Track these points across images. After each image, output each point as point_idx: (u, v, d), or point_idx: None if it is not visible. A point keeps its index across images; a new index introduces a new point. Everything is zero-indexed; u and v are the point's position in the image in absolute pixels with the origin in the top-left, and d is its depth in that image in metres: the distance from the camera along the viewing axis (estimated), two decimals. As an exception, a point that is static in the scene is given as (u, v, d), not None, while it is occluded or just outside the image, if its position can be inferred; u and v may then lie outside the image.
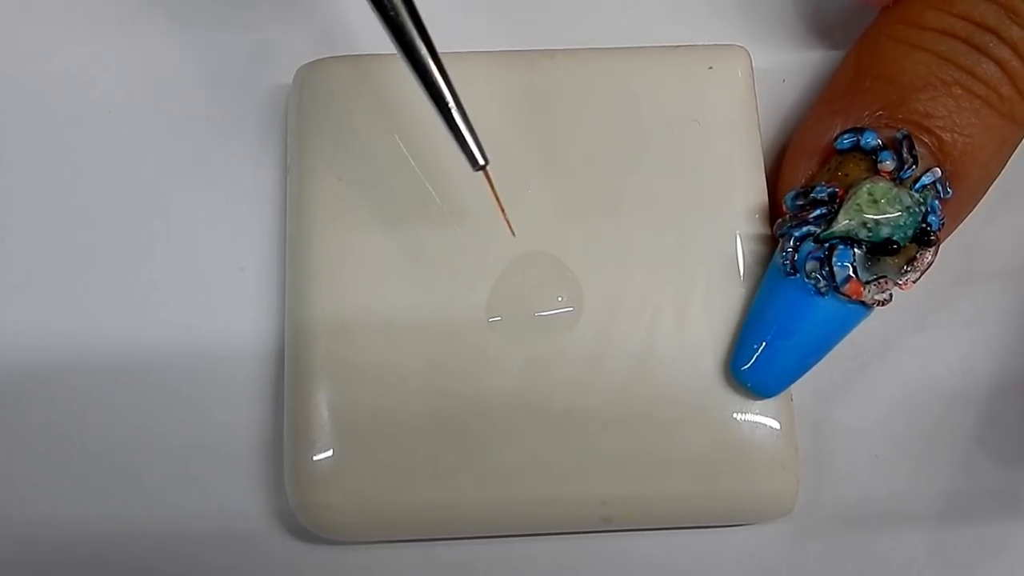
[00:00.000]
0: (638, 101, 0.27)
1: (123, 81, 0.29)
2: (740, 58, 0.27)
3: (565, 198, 0.26)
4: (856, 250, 0.24)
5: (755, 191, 0.26)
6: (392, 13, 0.22)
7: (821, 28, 0.29)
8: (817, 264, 0.24)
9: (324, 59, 0.27)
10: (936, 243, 0.24)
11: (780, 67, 0.29)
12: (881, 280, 0.24)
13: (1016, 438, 0.27)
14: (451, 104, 0.23)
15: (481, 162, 0.23)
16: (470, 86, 0.27)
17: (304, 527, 0.25)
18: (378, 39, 0.28)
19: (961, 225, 0.27)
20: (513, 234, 0.25)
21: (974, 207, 0.26)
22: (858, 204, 0.24)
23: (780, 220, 0.25)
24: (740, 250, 0.26)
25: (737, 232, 0.26)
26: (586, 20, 0.30)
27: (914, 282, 0.24)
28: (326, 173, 0.26)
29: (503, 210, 0.24)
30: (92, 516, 0.26)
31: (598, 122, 0.27)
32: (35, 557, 0.26)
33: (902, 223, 0.24)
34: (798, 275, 0.24)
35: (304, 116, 0.27)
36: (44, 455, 0.26)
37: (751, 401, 0.25)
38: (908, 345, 0.27)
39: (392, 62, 0.27)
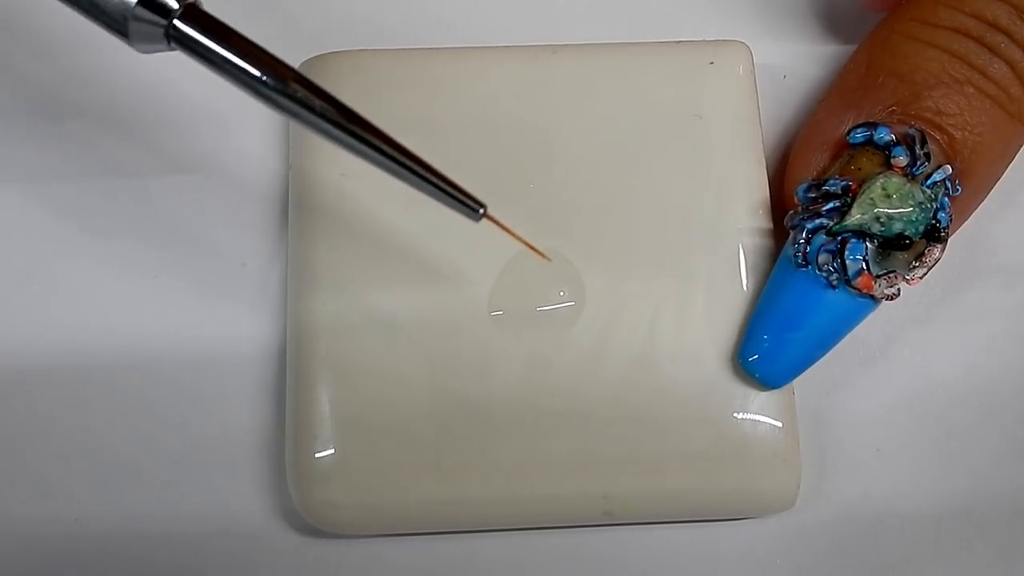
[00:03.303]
0: (639, 96, 0.27)
1: (124, 76, 0.28)
2: (741, 53, 0.27)
3: (567, 193, 0.26)
4: (868, 244, 0.24)
5: (756, 186, 0.26)
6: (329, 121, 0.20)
7: (822, 24, 0.30)
8: (829, 257, 0.24)
9: (327, 54, 0.27)
10: (945, 239, 0.24)
11: (781, 63, 0.29)
12: (891, 274, 0.24)
13: (1017, 434, 0.27)
14: (422, 172, 0.21)
15: (480, 210, 0.21)
16: (472, 81, 0.27)
17: (306, 523, 0.25)
18: (381, 34, 0.28)
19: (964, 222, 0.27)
20: (548, 259, 0.24)
21: (979, 205, 0.26)
22: (871, 198, 0.24)
23: (792, 212, 0.25)
24: (741, 245, 0.26)
25: (738, 227, 0.26)
26: (587, 15, 0.30)
27: (921, 278, 0.24)
28: (328, 168, 0.26)
29: (527, 243, 0.23)
30: (94, 514, 0.26)
31: (600, 117, 0.27)
32: (36, 556, 0.25)
33: (914, 219, 0.24)
34: (810, 267, 0.24)
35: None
36: (45, 454, 0.26)
37: (753, 396, 0.25)
38: (910, 341, 0.28)
39: (394, 56, 0.27)
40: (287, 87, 0.20)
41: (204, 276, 0.27)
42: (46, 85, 0.28)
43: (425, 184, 0.21)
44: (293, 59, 0.27)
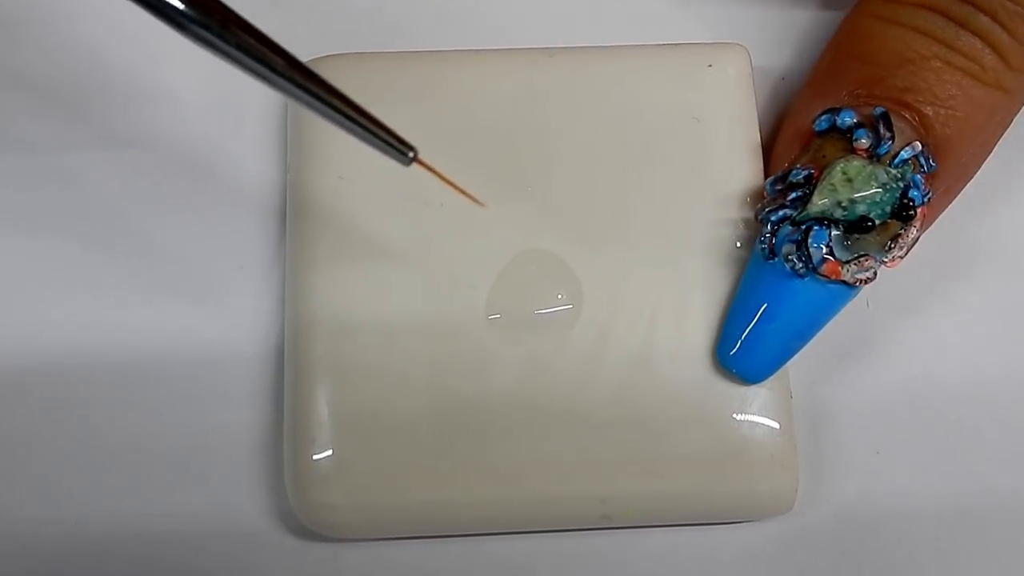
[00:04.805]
0: (637, 99, 0.27)
1: (123, 79, 0.29)
2: (739, 56, 0.27)
3: (565, 196, 0.26)
4: (833, 230, 0.24)
5: (754, 189, 0.26)
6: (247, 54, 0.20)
7: (820, 27, 0.29)
8: (793, 247, 0.24)
9: (325, 57, 0.27)
10: (915, 217, 0.23)
11: (779, 65, 0.29)
12: (862, 258, 0.24)
13: (1017, 434, 0.27)
14: (353, 114, 0.20)
15: (410, 154, 0.21)
16: (470, 84, 0.27)
17: (304, 526, 0.25)
18: (379, 37, 0.28)
19: (963, 218, 0.27)
20: (481, 204, 0.23)
21: (969, 180, 0.26)
22: (832, 184, 0.24)
23: (759, 205, 0.25)
24: (739, 247, 0.26)
25: (736, 230, 0.26)
26: (586, 18, 0.30)
27: (901, 258, 0.24)
28: (326, 171, 0.26)
29: (457, 187, 0.22)
30: (92, 515, 0.26)
31: (597, 120, 0.27)
32: (35, 556, 0.26)
33: (879, 200, 0.23)
34: (777, 259, 0.24)
35: (304, 114, 0.26)
36: (44, 455, 0.26)
37: (750, 398, 0.25)
38: (909, 340, 0.27)
39: (391, 60, 0.27)
40: (209, 18, 0.19)
41: (203, 277, 0.27)
42: (43, 84, 0.29)
43: (355, 127, 0.20)
44: (291, 62, 0.27)
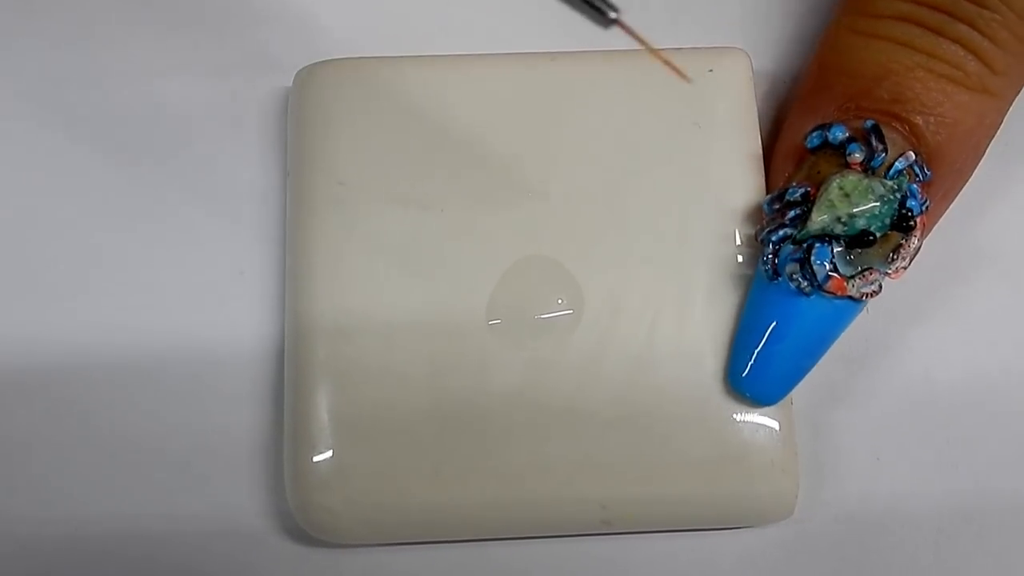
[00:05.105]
0: (638, 104, 0.27)
1: (123, 83, 0.29)
2: (740, 61, 0.27)
3: (566, 200, 0.26)
4: (834, 246, 0.24)
5: (755, 194, 0.26)
6: None
7: (821, 30, 0.29)
8: (797, 265, 0.24)
9: (324, 62, 0.27)
10: (915, 227, 0.23)
11: (780, 70, 0.29)
12: (866, 272, 0.24)
13: (1018, 438, 0.27)
14: None
15: (612, 14, 0.20)
16: (471, 88, 0.27)
17: (303, 529, 0.25)
18: (377, 41, 0.29)
19: (962, 223, 0.26)
20: (687, 79, 0.21)
21: (964, 184, 0.26)
22: (830, 200, 0.24)
23: (759, 226, 0.25)
24: (740, 252, 0.26)
25: (737, 234, 0.26)
26: (585, 22, 0.30)
27: (904, 269, 0.24)
28: (326, 176, 0.26)
29: (661, 57, 0.20)
30: (92, 516, 0.26)
31: (598, 124, 0.27)
32: (35, 557, 0.26)
33: (878, 213, 0.23)
34: (781, 279, 0.24)
35: (304, 119, 0.27)
36: (45, 456, 0.26)
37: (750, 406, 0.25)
38: (908, 346, 0.27)
39: (391, 64, 0.27)
40: None
41: (204, 279, 0.27)
42: (44, 86, 0.29)
43: None
44: (290, 66, 0.28)
